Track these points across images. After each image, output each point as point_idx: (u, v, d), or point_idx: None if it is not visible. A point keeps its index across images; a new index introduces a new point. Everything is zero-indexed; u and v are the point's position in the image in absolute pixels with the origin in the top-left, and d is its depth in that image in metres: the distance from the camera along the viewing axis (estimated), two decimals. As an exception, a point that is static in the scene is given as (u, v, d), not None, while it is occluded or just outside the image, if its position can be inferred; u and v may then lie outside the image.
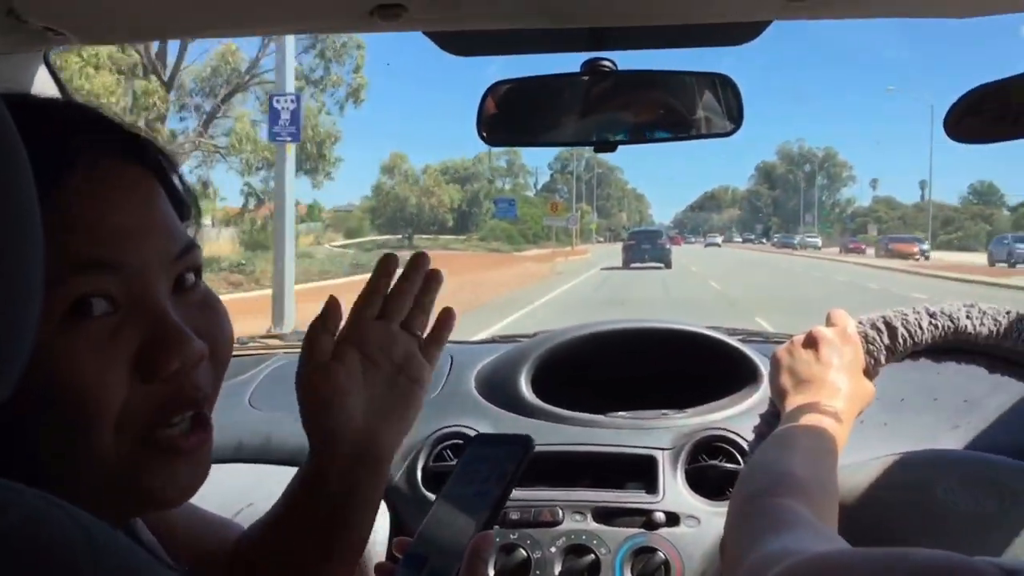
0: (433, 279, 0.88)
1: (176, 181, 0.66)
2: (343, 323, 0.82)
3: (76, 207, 0.56)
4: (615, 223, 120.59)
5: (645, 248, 35.37)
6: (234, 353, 2.15)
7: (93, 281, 0.56)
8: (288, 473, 1.53)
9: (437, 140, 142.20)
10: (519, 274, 29.49)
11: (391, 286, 0.86)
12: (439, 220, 67.77)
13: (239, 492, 1.52)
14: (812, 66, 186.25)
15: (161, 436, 0.60)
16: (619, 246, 44.80)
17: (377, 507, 0.85)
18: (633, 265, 33.85)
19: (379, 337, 0.83)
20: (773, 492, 0.81)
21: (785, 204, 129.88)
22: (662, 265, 33.38)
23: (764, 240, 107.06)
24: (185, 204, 0.67)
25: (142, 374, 0.58)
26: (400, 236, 64.53)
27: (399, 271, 0.87)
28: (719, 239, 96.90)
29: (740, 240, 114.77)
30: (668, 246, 36.72)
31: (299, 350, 2.05)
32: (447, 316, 0.88)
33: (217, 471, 1.62)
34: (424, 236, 66.61)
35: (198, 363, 0.61)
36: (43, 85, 1.15)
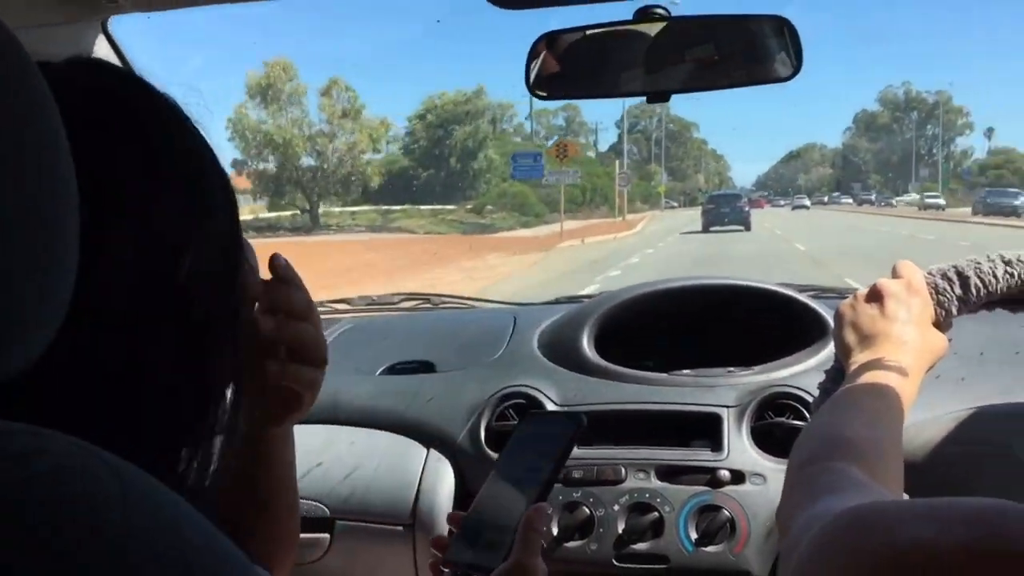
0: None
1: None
2: None
3: None
4: (691, 186, 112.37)
5: (724, 212, 35.18)
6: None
7: None
8: (356, 434, 1.58)
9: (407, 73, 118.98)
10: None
11: None
12: (363, 182, 45.27)
13: (309, 452, 1.56)
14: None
15: None
16: (692, 212, 44.71)
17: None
18: (713, 228, 33.99)
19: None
20: (826, 457, 0.78)
21: (888, 159, 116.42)
22: (742, 228, 33.46)
23: (868, 200, 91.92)
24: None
25: None
26: (295, 212, 43.28)
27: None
28: (807, 201, 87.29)
29: (827, 201, 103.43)
30: (747, 209, 36.64)
31: (366, 315, 2.09)
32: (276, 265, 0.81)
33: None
34: (360, 207, 46.17)
35: None
36: (102, 52, 1.17)
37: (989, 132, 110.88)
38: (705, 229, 34.11)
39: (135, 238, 0.54)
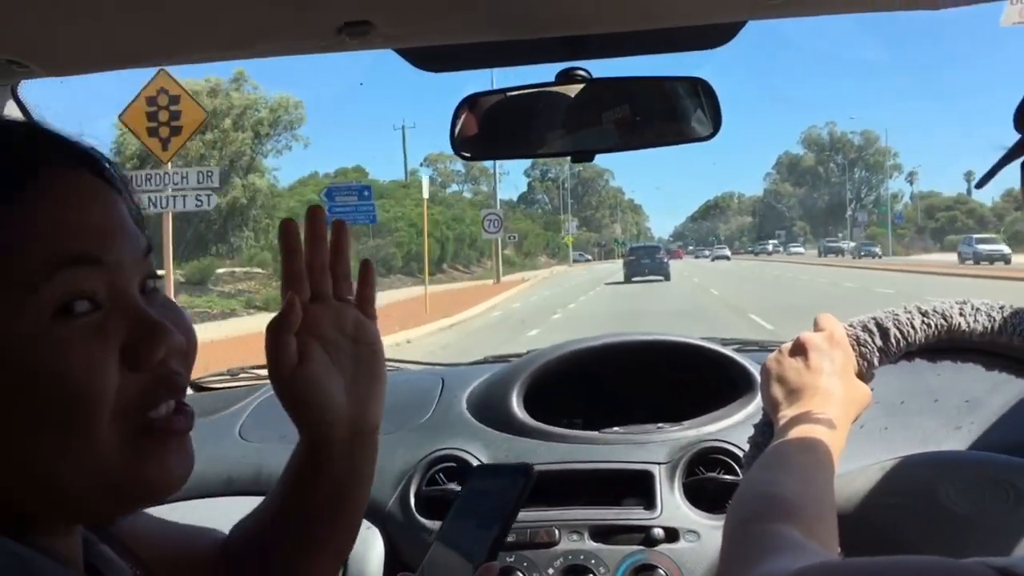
0: (339, 236, 0.85)
1: (127, 196, 0.68)
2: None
3: (52, 204, 0.59)
4: (606, 236, 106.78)
5: (645, 263, 36.80)
6: (224, 385, 2.14)
7: (76, 276, 0.59)
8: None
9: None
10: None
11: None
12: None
13: (231, 525, 1.50)
14: (793, 68, 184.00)
15: (152, 420, 0.62)
16: (607, 266, 45.00)
17: (371, 481, 0.87)
18: (634, 279, 35.52)
19: (327, 318, 0.81)
20: (762, 518, 0.78)
21: (814, 204, 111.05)
22: (662, 278, 35.17)
23: (797, 248, 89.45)
24: (138, 215, 0.69)
25: (129, 364, 0.60)
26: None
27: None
28: (727, 251, 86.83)
29: (753, 250, 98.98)
30: (666, 260, 38.42)
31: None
32: (367, 269, 0.86)
33: (208, 505, 1.60)
34: None
35: (178, 352, 0.64)
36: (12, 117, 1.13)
37: (911, 176, 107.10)
38: (627, 280, 35.66)
39: None
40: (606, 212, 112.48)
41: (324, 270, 0.82)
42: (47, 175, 0.60)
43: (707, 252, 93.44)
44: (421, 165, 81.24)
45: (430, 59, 1.15)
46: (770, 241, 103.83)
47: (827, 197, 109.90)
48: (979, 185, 0.89)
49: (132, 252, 0.63)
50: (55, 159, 0.62)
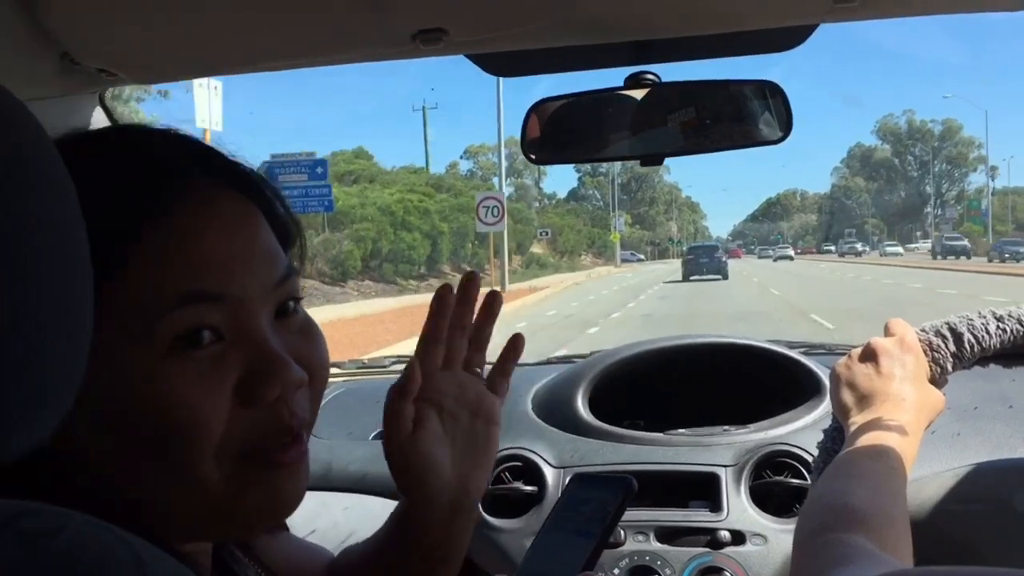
0: (490, 308, 0.82)
1: (279, 208, 0.67)
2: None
3: (180, 237, 0.57)
4: (660, 235, 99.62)
5: (703, 262, 37.57)
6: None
7: (198, 312, 0.57)
8: (350, 500, 1.56)
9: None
10: None
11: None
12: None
13: (302, 520, 1.54)
14: (864, 70, 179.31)
15: (261, 453, 0.61)
16: (661, 267, 43.01)
17: (465, 551, 0.83)
18: (692, 277, 36.20)
19: (451, 388, 0.79)
20: (833, 528, 0.78)
21: (889, 201, 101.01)
22: (720, 276, 35.77)
23: (894, 248, 75.74)
24: (287, 231, 0.68)
25: (243, 400, 0.59)
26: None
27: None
28: (791, 251, 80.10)
29: (834, 251, 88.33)
30: (725, 259, 39.39)
31: (358, 378, 2.07)
32: (516, 343, 0.83)
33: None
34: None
35: (297, 390, 0.62)
36: (99, 124, 1.18)
37: (992, 170, 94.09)
38: (685, 278, 36.29)
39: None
40: (660, 209, 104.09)
41: (463, 338, 0.80)
42: (184, 202, 0.58)
43: (771, 251, 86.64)
44: (461, 157, 78.41)
45: (501, 65, 1.17)
46: (848, 238, 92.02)
47: (903, 193, 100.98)
48: None
49: (262, 281, 0.61)
50: (194, 175, 0.60)
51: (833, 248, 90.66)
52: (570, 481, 0.88)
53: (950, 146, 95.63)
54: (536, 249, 52.36)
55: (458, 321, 0.80)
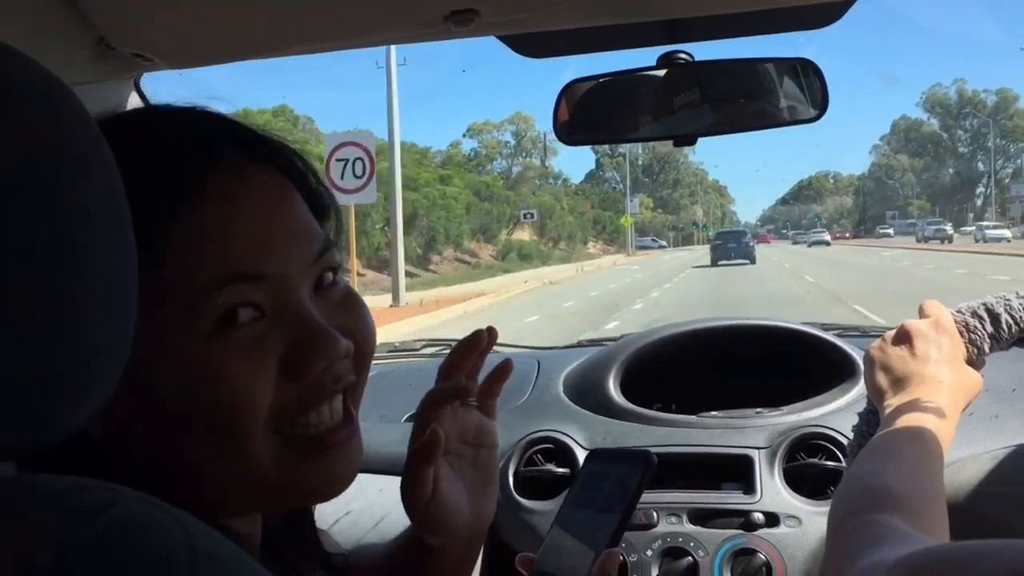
0: (502, 373, 0.82)
1: (312, 181, 0.67)
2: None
3: (217, 216, 0.58)
4: (685, 219, 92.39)
5: (731, 247, 38.39)
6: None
7: (239, 291, 0.58)
8: (384, 482, 1.57)
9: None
10: None
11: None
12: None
13: (338, 501, 1.55)
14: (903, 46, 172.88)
15: (311, 433, 0.61)
16: (684, 255, 40.46)
17: (475, 565, 0.85)
18: (720, 263, 36.79)
19: (453, 428, 0.79)
20: (868, 509, 0.78)
21: (936, 179, 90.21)
22: (748, 261, 36.57)
23: (1000, 232, 57.31)
24: (322, 203, 0.68)
25: (288, 375, 0.59)
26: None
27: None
28: (827, 235, 72.11)
29: (851, 235, 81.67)
30: (752, 244, 40.46)
31: (389, 362, 2.07)
32: (504, 369, 0.82)
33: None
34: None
35: (344, 358, 0.63)
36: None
37: None
38: (714, 263, 37.05)
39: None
40: (685, 192, 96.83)
41: (472, 384, 0.80)
42: (219, 180, 0.59)
43: (802, 237, 79.43)
44: (464, 136, 70.90)
45: (533, 45, 1.17)
46: (916, 221, 77.39)
47: (951, 170, 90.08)
48: None
49: (302, 257, 0.62)
50: (226, 152, 0.60)
51: (925, 230, 74.14)
52: (588, 457, 0.87)
53: (1004, 119, 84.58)
54: (522, 235, 46.14)
55: (471, 372, 0.81)
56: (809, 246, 64.41)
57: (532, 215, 45.33)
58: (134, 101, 1.20)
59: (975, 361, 1.02)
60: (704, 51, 1.17)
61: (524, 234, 47.25)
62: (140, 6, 1.00)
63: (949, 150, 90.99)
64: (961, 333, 1.01)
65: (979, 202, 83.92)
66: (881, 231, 76.62)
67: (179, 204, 0.57)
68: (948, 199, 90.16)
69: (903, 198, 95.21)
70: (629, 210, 59.75)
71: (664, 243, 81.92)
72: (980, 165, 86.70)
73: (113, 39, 1.05)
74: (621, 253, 57.13)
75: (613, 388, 1.59)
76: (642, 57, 1.17)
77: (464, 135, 71.41)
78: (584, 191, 72.17)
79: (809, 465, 1.40)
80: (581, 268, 35.74)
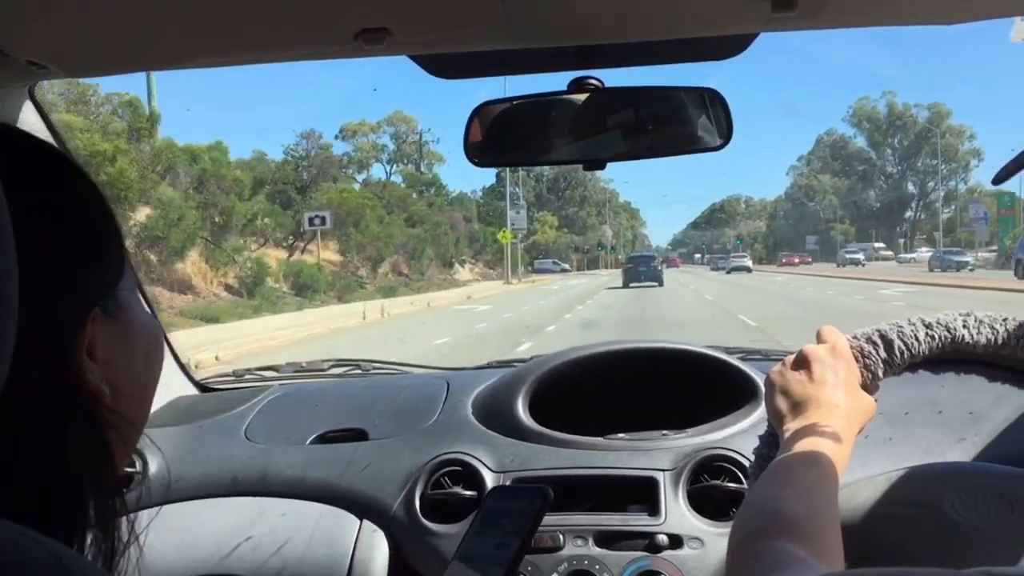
0: None
1: None
2: None
3: None
4: (592, 239, 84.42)
5: (641, 270, 40.78)
6: (230, 386, 2.14)
7: None
8: (287, 505, 1.54)
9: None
10: None
11: None
12: None
13: (238, 525, 1.51)
14: (798, 82, 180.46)
15: None
16: (563, 287, 37.03)
17: None
18: (631, 284, 38.82)
19: None
20: (766, 534, 0.79)
21: (863, 201, 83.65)
22: (656, 284, 38.92)
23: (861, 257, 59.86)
24: None
25: None
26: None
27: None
28: (747, 260, 64.54)
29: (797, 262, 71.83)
30: (661, 268, 43.11)
31: (295, 381, 2.03)
32: None
33: (215, 505, 1.61)
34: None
35: None
36: (28, 118, 1.14)
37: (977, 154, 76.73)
38: (625, 285, 38.87)
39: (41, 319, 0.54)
40: (592, 210, 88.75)
41: None
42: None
43: (723, 261, 70.84)
44: (336, 138, 60.55)
45: (445, 66, 1.17)
46: (785, 251, 76.85)
47: (878, 192, 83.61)
48: (996, 181, 0.90)
49: None
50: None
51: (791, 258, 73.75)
52: (489, 493, 0.90)
53: (936, 136, 76.60)
54: (329, 253, 32.63)
55: None
56: (728, 272, 58.43)
57: (323, 220, 30.40)
58: (28, 109, 1.15)
59: (869, 386, 1.05)
60: (615, 77, 1.19)
61: (329, 253, 33.88)
62: (36, 10, 0.96)
63: (878, 169, 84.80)
64: (856, 358, 1.04)
65: (906, 226, 78.62)
66: (848, 255, 65.37)
67: None
68: (874, 223, 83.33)
69: (824, 222, 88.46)
70: (512, 224, 46.89)
71: (567, 266, 73.62)
72: (910, 186, 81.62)
73: (6, 45, 1.00)
74: (500, 280, 45.20)
75: (522, 410, 1.59)
76: (555, 81, 1.17)
77: (336, 137, 60.67)
78: (464, 200, 62.26)
79: (712, 487, 1.42)
80: (383, 311, 22.33)
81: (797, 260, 72.16)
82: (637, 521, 1.41)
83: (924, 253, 62.49)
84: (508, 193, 54.06)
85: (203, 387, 1.96)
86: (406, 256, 39.26)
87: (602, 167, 1.21)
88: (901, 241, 75.30)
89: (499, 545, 0.82)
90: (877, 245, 68.72)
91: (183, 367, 1.94)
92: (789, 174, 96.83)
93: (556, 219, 77.65)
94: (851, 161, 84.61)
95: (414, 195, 49.34)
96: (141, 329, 0.66)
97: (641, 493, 1.45)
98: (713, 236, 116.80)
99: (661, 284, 38.78)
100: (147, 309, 0.66)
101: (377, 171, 62.07)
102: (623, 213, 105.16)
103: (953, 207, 73.96)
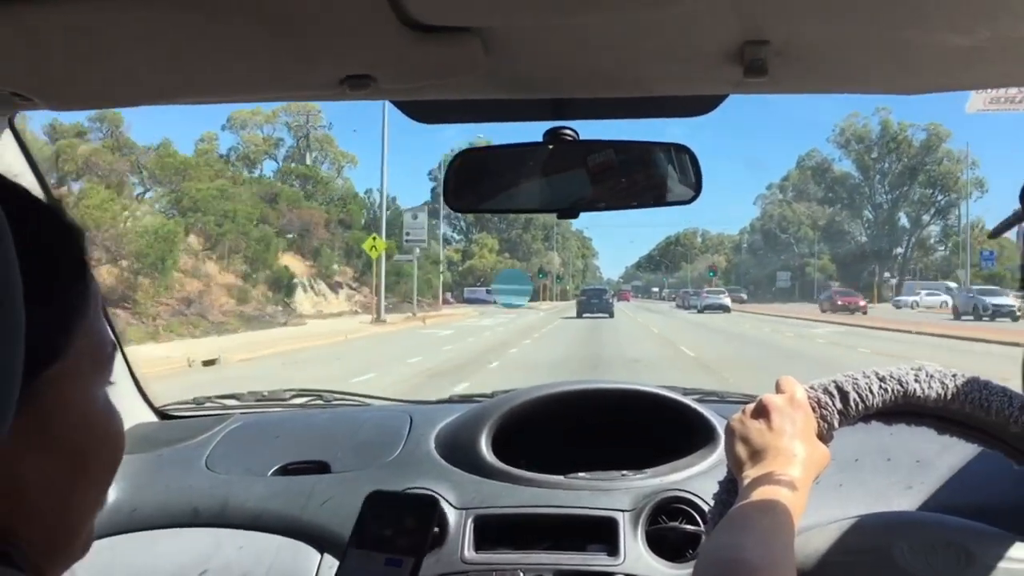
0: None
1: None
2: None
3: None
4: (536, 266, 73.59)
5: (594, 302, 44.00)
6: (191, 414, 2.11)
7: None
8: (245, 538, 1.53)
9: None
10: None
11: None
12: None
13: (194, 558, 1.49)
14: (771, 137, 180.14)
15: None
16: (483, 327, 28.48)
17: None
18: (585, 315, 41.77)
19: None
20: None
21: (848, 233, 73.58)
22: (607, 315, 41.71)
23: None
24: None
25: None
26: None
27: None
28: (725, 298, 51.28)
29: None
30: (612, 300, 46.82)
31: (256, 411, 2.01)
32: None
33: (173, 536, 1.59)
34: None
35: None
36: (6, 149, 1.15)
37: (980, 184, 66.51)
38: (579, 315, 42.12)
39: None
40: (539, 233, 78.93)
41: None
42: None
43: (695, 298, 56.34)
44: (223, 129, 55.49)
45: (427, 112, 1.20)
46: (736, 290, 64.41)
47: (866, 225, 73.76)
48: (992, 235, 0.95)
49: None
50: None
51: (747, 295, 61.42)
52: (366, 500, 0.85)
53: (933, 163, 67.90)
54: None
55: None
56: (700, 311, 47.80)
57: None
58: (7, 138, 1.15)
59: (825, 435, 1.09)
60: (591, 128, 1.22)
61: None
62: (20, 43, 0.97)
63: (866, 197, 74.19)
64: (813, 409, 1.08)
65: (895, 264, 69.26)
66: (898, 301, 52.57)
67: None
68: (858, 259, 72.10)
69: (799, 256, 76.94)
70: (407, 234, 36.69)
71: (495, 300, 59.79)
72: (903, 217, 70.65)
73: None
74: (369, 314, 32.40)
75: (485, 447, 1.60)
76: (531, 130, 1.20)
77: (223, 128, 54.44)
78: (349, 201, 50.76)
79: (670, 528, 1.45)
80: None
81: (863, 302, 48.20)
82: (596, 561, 1.43)
83: (930, 297, 52.49)
84: (383, 183, 36.46)
85: (163, 414, 1.95)
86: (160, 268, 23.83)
87: (575, 216, 1.24)
88: (893, 281, 64.83)
89: (389, 563, 0.78)
90: (951, 284, 55.83)
91: (143, 393, 1.92)
92: (757, 203, 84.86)
93: (497, 242, 69.90)
94: (835, 187, 75.40)
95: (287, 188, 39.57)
96: (77, 423, 0.56)
97: (601, 533, 1.47)
98: (671, 269, 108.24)
99: (611, 316, 41.57)
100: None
101: (269, 167, 53.22)
102: (573, 240, 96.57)
103: (950, 244, 65.48)
